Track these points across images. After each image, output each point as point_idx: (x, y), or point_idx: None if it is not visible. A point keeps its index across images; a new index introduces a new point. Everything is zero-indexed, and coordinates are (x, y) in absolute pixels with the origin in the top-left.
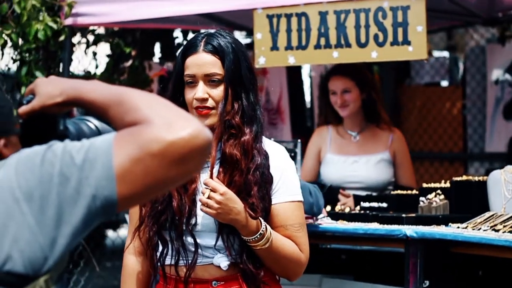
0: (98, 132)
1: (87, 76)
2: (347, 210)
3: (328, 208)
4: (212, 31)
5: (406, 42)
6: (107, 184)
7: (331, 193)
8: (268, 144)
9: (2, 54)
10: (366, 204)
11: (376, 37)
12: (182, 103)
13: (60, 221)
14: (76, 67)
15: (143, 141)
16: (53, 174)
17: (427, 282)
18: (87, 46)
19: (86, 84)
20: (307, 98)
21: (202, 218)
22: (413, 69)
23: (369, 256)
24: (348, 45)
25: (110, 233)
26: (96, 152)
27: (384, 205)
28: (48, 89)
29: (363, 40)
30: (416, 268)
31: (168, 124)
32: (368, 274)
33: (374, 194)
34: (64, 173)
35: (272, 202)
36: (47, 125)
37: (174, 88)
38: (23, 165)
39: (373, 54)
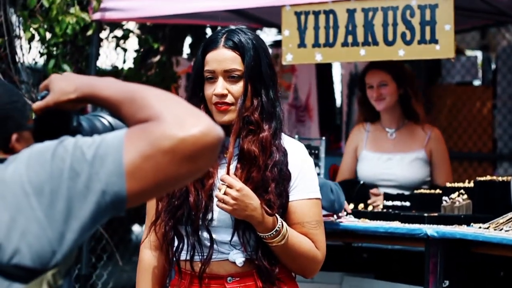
0: (111, 128)
1: (115, 71)
2: (370, 208)
3: (351, 206)
4: (233, 27)
5: (434, 40)
6: (117, 180)
7: (364, 191)
8: (287, 141)
9: (30, 48)
10: (389, 203)
11: (403, 35)
12: (201, 98)
13: (69, 216)
14: (103, 62)
15: (154, 137)
16: (64, 169)
17: (447, 282)
18: (117, 42)
19: (100, 81)
20: (337, 96)
21: (218, 214)
22: (444, 68)
23: (391, 255)
24: (376, 43)
25: (135, 227)
26: (107, 148)
27: (407, 204)
28: (62, 85)
29: (390, 38)
30: (436, 268)
31: (180, 121)
32: (390, 273)
33: (406, 193)
34: (75, 168)
35: (290, 199)
36: (61, 121)
37: (194, 84)
38: (34, 160)
39: (400, 52)
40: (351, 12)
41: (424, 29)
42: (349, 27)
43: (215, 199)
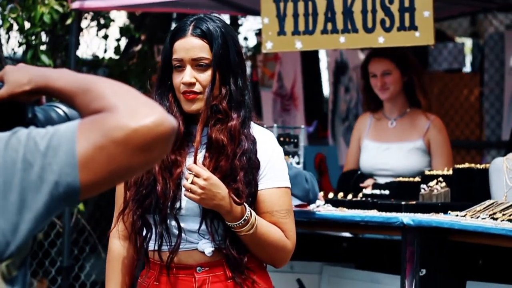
0: (67, 119)
1: (95, 60)
2: (349, 197)
3: (331, 195)
4: (202, 15)
5: (413, 27)
6: (70, 171)
7: (362, 181)
8: (256, 130)
9: (9, 37)
10: (368, 191)
11: (383, 22)
12: (170, 87)
13: (22, 207)
14: (84, 51)
15: (106, 128)
16: (17, 160)
17: (424, 271)
18: (97, 30)
19: (53, 72)
20: (324, 84)
21: (186, 203)
22: (431, 55)
23: (371, 244)
24: (355, 30)
25: None
26: (60, 139)
27: (386, 192)
28: (16, 77)
29: (370, 25)
30: (413, 257)
31: (132, 112)
32: (370, 262)
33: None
34: (28, 159)
35: (259, 188)
36: (15, 113)
37: (162, 72)
38: None
39: (380, 40)
40: None
41: (403, 15)
42: (328, 14)
43: (183, 188)
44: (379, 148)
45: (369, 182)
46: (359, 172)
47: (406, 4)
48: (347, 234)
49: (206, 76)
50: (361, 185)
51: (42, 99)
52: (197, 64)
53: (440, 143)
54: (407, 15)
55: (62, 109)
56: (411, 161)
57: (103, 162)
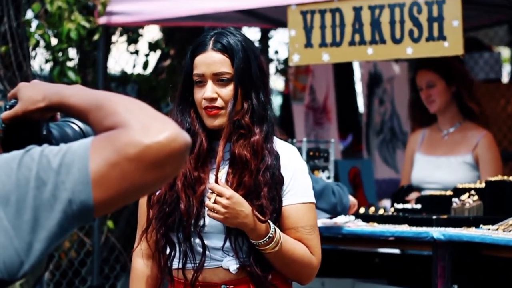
0: (82, 134)
1: (124, 76)
2: (380, 212)
3: (362, 210)
4: (221, 29)
5: (442, 37)
6: (83, 188)
7: (408, 194)
8: (280, 145)
9: (35, 54)
10: (400, 206)
11: (411, 32)
12: (191, 103)
13: (36, 225)
14: (113, 67)
15: (119, 145)
16: (30, 178)
17: (456, 286)
18: (128, 45)
19: (67, 89)
20: (359, 96)
21: (210, 220)
22: (467, 65)
23: (404, 259)
24: (383, 41)
25: None
26: (73, 156)
27: (418, 206)
28: (30, 94)
29: (398, 35)
30: (444, 272)
31: (145, 128)
32: (403, 278)
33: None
34: (41, 177)
35: (283, 204)
36: (30, 130)
37: (183, 88)
38: (0, 170)
39: (408, 50)
40: (357, 10)
41: (431, 25)
42: (356, 26)
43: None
44: (429, 161)
45: (413, 195)
46: (406, 186)
47: (435, 13)
48: (379, 250)
49: (228, 91)
50: (406, 198)
51: (57, 116)
52: (219, 79)
53: (488, 159)
54: (435, 25)
55: (77, 124)
56: (459, 175)
57: (117, 179)
